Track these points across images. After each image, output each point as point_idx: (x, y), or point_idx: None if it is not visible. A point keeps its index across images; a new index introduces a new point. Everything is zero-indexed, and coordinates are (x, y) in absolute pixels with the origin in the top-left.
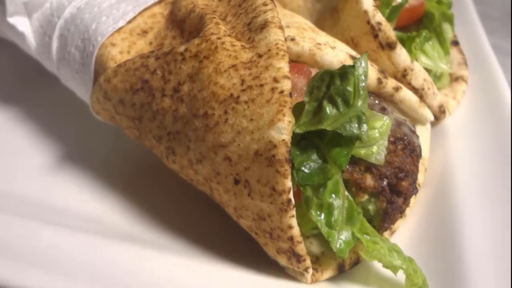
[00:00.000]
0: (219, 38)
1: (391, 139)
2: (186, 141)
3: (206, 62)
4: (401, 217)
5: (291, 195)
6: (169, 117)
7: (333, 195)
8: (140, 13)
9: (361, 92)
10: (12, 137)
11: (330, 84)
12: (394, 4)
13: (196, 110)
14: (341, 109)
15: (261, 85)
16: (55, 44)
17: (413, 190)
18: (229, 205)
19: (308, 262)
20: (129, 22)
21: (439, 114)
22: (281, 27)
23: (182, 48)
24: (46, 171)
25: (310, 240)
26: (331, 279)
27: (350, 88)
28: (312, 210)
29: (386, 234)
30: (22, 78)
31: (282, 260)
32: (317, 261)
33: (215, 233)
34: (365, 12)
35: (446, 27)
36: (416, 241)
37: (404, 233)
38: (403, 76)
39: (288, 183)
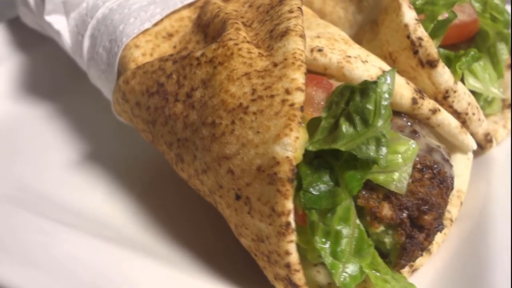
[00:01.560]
0: (236, 44)
1: (418, 166)
2: (193, 150)
3: (220, 68)
4: (421, 254)
5: (291, 218)
6: (179, 123)
7: (342, 223)
8: (168, 16)
9: (383, 111)
10: (43, 131)
11: (350, 100)
12: (440, 18)
13: (205, 118)
14: (358, 129)
15: (272, 96)
16: (86, 43)
17: (438, 226)
18: (231, 221)
19: None
20: (156, 24)
21: (485, 143)
22: (302, 36)
23: (199, 53)
24: (66, 168)
25: (317, 268)
26: None
27: (370, 106)
28: (317, 236)
29: (405, 271)
30: (60, 77)
31: (280, 287)
32: None
33: (220, 248)
34: (406, 25)
35: (501, 47)
36: (440, 282)
37: (428, 271)
38: (444, 98)
39: (289, 204)
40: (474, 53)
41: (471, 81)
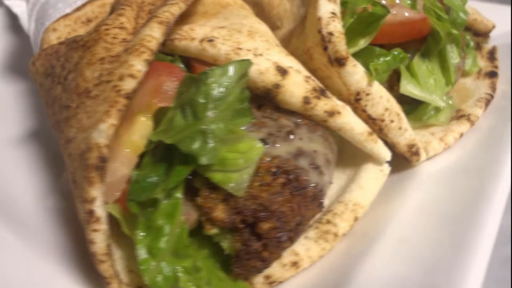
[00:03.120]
0: (107, 29)
1: (273, 169)
2: (60, 132)
3: (86, 53)
4: (262, 266)
5: (95, 206)
6: (56, 106)
7: (166, 219)
8: (91, 2)
9: (219, 101)
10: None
11: (191, 88)
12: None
13: (65, 101)
14: (189, 121)
15: (108, 82)
16: (32, 26)
17: (281, 237)
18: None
19: (113, 286)
20: (79, 9)
21: (410, 155)
22: (162, 22)
23: (79, 37)
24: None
25: None
26: None
27: (200, 99)
28: (138, 230)
29: (259, 282)
30: None
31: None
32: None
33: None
34: (319, 19)
35: (451, 50)
36: None
37: (294, 285)
38: (356, 101)
39: (93, 192)
40: (398, 53)
41: (408, 86)
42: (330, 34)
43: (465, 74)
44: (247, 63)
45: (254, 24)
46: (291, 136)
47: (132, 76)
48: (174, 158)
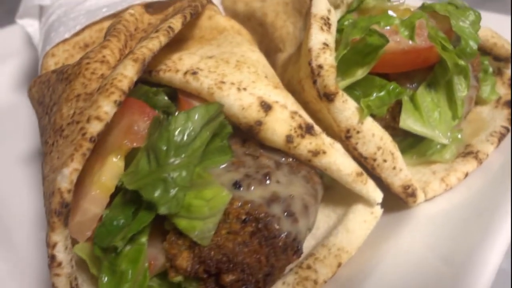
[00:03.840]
0: (88, 63)
1: (243, 216)
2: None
3: (67, 87)
4: None
5: (56, 251)
6: (43, 138)
7: (129, 264)
8: (90, 26)
9: (180, 149)
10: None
11: (156, 132)
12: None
13: (45, 136)
14: (153, 167)
15: (78, 122)
16: (40, 47)
17: None
18: None
19: None
20: (78, 34)
21: (405, 196)
22: (136, 60)
23: (66, 67)
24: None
25: None
26: None
27: (162, 145)
28: (103, 274)
29: None
30: None
31: None
32: None
33: None
34: (309, 50)
35: (458, 82)
36: None
37: None
38: (346, 138)
39: (54, 237)
40: (394, 87)
41: (408, 120)
42: (320, 67)
43: (482, 102)
44: (215, 106)
45: (246, 53)
46: (268, 180)
47: (98, 118)
48: (142, 201)
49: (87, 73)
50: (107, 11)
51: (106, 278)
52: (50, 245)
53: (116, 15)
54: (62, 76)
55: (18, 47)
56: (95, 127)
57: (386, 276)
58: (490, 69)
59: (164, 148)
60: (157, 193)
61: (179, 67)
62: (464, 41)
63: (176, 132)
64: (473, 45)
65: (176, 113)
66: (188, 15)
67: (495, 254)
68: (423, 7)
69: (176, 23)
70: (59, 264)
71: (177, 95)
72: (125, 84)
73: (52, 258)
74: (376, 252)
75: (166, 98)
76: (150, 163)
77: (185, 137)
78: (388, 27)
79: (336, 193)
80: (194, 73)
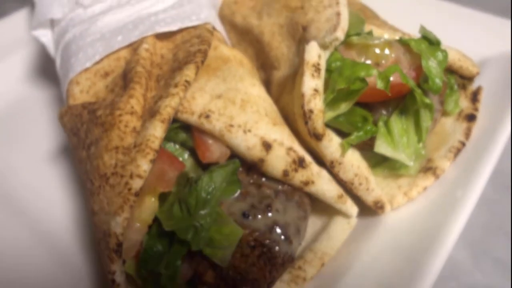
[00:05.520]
0: (120, 115)
1: (252, 243)
2: (85, 194)
3: (104, 135)
4: None
5: (115, 276)
6: (82, 167)
7: (169, 282)
8: (107, 56)
9: (206, 203)
10: (45, 117)
11: (185, 187)
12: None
13: (90, 173)
14: (184, 215)
15: (122, 176)
16: (58, 60)
17: None
18: None
19: None
20: (97, 63)
21: (375, 209)
22: (164, 121)
23: (99, 113)
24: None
25: None
26: None
27: (191, 200)
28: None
29: None
30: None
31: None
32: None
33: None
34: (302, 95)
35: (424, 114)
36: None
37: None
38: (331, 167)
39: (114, 267)
40: (370, 128)
41: (381, 146)
42: (311, 111)
43: (447, 114)
44: (232, 167)
45: (248, 89)
46: (269, 210)
47: (139, 176)
48: (174, 234)
49: (121, 126)
50: (122, 42)
51: None
52: (111, 272)
53: (132, 46)
54: (95, 119)
55: (22, 36)
56: (138, 184)
57: (360, 271)
58: (456, 86)
59: (194, 203)
60: (189, 235)
61: (193, 108)
62: (431, 80)
63: (202, 192)
64: (438, 82)
65: (202, 176)
66: (200, 64)
67: (445, 247)
68: (400, 41)
69: (191, 74)
70: (118, 285)
71: (191, 130)
72: (157, 144)
73: (112, 281)
74: (352, 251)
75: (184, 134)
76: (182, 211)
77: (209, 195)
78: (369, 61)
79: (321, 206)
80: (207, 116)
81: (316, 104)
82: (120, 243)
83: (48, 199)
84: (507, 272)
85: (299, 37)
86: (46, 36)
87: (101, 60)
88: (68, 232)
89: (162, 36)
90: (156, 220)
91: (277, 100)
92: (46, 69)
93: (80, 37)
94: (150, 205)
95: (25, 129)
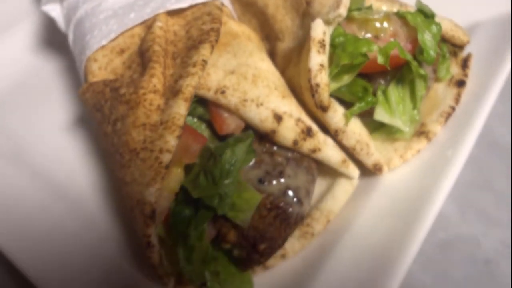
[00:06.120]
0: (144, 94)
1: (268, 206)
2: (113, 165)
3: (130, 112)
4: (259, 264)
5: (151, 239)
6: (109, 141)
7: (197, 240)
8: (122, 33)
9: (229, 174)
10: (55, 87)
11: (208, 160)
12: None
13: (118, 147)
14: (209, 184)
15: (152, 151)
16: (71, 36)
17: (271, 251)
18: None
19: (160, 271)
20: (113, 40)
21: (374, 171)
22: (187, 100)
23: (122, 91)
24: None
25: None
26: None
27: (216, 172)
28: (180, 247)
29: (258, 268)
30: None
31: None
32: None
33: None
34: (309, 70)
35: (419, 84)
36: (288, 278)
37: (282, 270)
38: (335, 135)
39: (149, 231)
40: (371, 99)
41: (380, 113)
42: (317, 85)
43: (438, 80)
44: (249, 140)
45: (258, 64)
46: (282, 177)
47: (168, 151)
48: (199, 200)
49: (146, 104)
50: (135, 19)
51: (181, 250)
52: (146, 236)
53: (145, 23)
54: (119, 97)
55: (27, 8)
56: (167, 157)
57: (361, 226)
58: (447, 54)
59: (218, 173)
60: (215, 202)
61: (209, 84)
62: (426, 52)
63: (226, 164)
64: (432, 54)
65: (226, 151)
66: (214, 43)
67: (436, 203)
68: (398, 14)
69: (207, 53)
70: (153, 246)
71: (207, 104)
72: (182, 121)
73: (148, 243)
74: (354, 209)
75: (201, 109)
76: (208, 181)
77: (232, 166)
78: (369, 35)
79: (326, 168)
80: (223, 92)
81: (322, 78)
82: (154, 210)
83: (69, 167)
84: (490, 222)
85: (303, 11)
86: (55, 11)
87: (116, 38)
88: (90, 197)
89: (173, 13)
90: (181, 188)
91: (283, 72)
92: (52, 40)
93: (92, 14)
94: (176, 176)
95: (37, 100)
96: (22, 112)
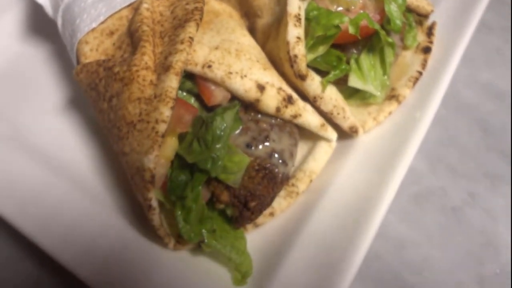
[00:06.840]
0: (137, 71)
1: (256, 167)
2: (111, 139)
3: (125, 88)
4: (250, 222)
5: (152, 202)
6: (105, 117)
7: (193, 202)
8: (111, 16)
9: (220, 138)
10: (44, 72)
11: (201, 127)
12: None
13: (115, 121)
14: (202, 149)
15: (148, 122)
16: (59, 21)
17: (261, 208)
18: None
19: (161, 232)
20: (102, 23)
21: (350, 133)
22: (177, 74)
23: (116, 69)
24: (55, 113)
25: None
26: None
27: (208, 137)
28: (177, 209)
29: (250, 226)
30: None
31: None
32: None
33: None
34: (287, 43)
35: (388, 51)
36: (275, 234)
37: (270, 227)
38: (314, 102)
39: (149, 195)
40: (345, 67)
41: (354, 80)
42: (295, 56)
43: (406, 48)
44: (235, 110)
45: (240, 39)
46: (267, 141)
47: (163, 121)
48: (194, 165)
49: (139, 80)
50: (123, 2)
51: (179, 212)
52: (147, 199)
53: (132, 6)
54: (114, 75)
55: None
56: (163, 127)
57: (341, 184)
58: (413, 23)
59: (210, 139)
60: (209, 165)
61: (196, 59)
62: (393, 21)
63: (217, 130)
64: (399, 23)
65: (216, 118)
66: (199, 21)
67: (407, 158)
68: None
69: (193, 31)
70: (154, 209)
71: (195, 78)
72: (174, 94)
73: (149, 206)
74: (333, 169)
75: (189, 83)
76: (201, 146)
77: (222, 132)
78: (341, 8)
79: (307, 132)
80: (209, 66)
81: (300, 49)
82: (153, 175)
83: (67, 146)
84: (456, 175)
85: None
86: None
87: (105, 20)
88: (90, 170)
89: None
90: (176, 155)
91: (263, 46)
92: (38, 26)
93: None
94: (171, 144)
95: (28, 85)
96: (14, 98)
